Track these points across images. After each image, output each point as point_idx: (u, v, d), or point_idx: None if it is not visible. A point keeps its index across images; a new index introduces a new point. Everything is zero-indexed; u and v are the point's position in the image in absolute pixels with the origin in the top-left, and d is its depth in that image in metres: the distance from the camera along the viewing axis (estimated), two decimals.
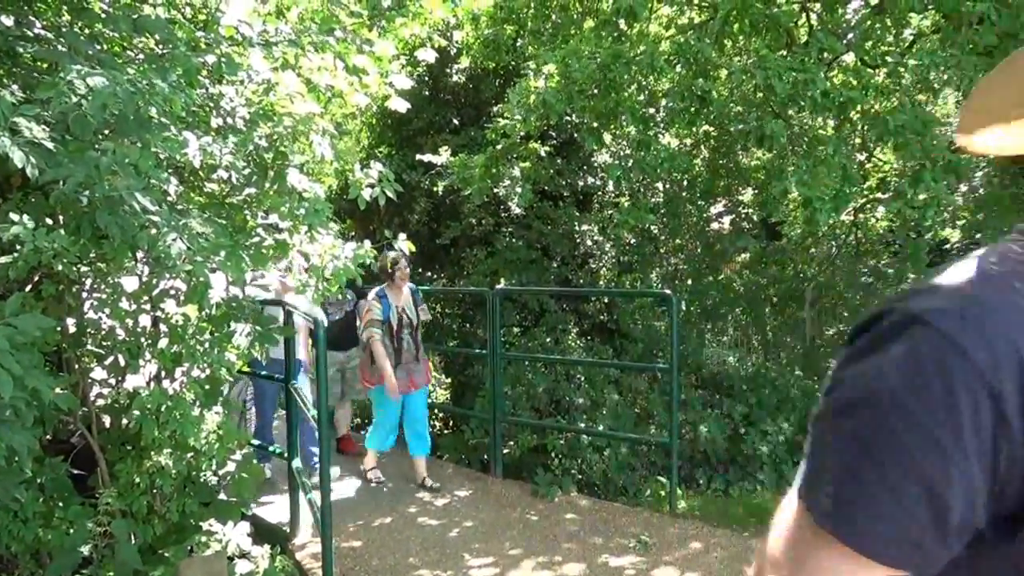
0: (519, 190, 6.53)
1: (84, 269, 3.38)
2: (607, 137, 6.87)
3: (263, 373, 4.85)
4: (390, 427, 5.50)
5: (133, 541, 3.40)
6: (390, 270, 5.39)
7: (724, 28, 5.24)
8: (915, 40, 5.93)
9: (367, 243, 3.45)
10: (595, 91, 5.49)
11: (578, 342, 6.98)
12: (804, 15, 6.31)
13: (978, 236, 7.21)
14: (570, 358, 6.74)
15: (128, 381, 3.82)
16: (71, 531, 3.25)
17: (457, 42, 7.43)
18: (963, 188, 7.65)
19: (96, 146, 2.54)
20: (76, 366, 3.58)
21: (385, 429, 5.50)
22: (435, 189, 7.12)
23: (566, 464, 5.92)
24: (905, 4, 4.95)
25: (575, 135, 7.51)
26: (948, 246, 9.33)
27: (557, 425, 6.24)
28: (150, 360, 3.62)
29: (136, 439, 3.44)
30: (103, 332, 3.59)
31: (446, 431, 7.62)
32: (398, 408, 5.42)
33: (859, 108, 4.96)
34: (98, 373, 3.81)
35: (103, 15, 2.99)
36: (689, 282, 9.13)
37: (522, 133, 6.21)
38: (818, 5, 6.13)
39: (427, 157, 6.72)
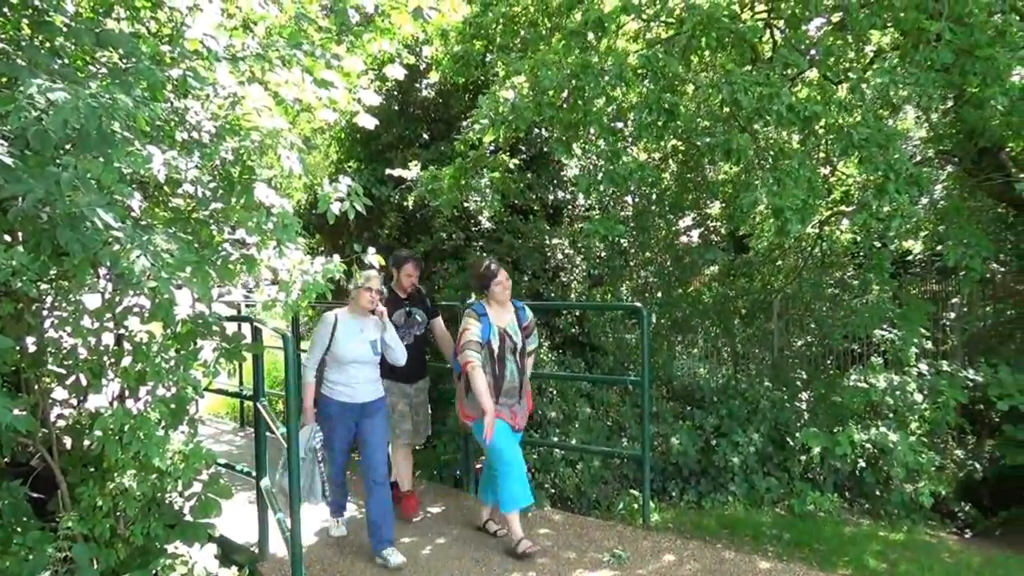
0: (488, 200, 6.53)
1: (44, 287, 3.31)
2: (576, 150, 6.91)
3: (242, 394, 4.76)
4: (518, 472, 4.44)
5: (95, 566, 3.31)
6: (485, 280, 4.59)
7: (691, 43, 5.31)
8: (876, 56, 6.07)
9: (336, 258, 3.41)
10: (564, 103, 5.52)
11: (550, 355, 6.97)
12: (768, 31, 6.42)
13: (939, 248, 7.36)
14: (542, 371, 6.73)
15: (90, 401, 3.73)
16: (30, 557, 3.16)
17: (426, 57, 7.43)
18: (924, 201, 7.81)
19: (57, 161, 2.48)
20: (36, 386, 3.49)
21: (512, 477, 4.40)
22: (405, 204, 7.09)
23: (539, 478, 5.90)
24: (865, 21, 5.06)
25: (545, 149, 7.54)
26: (910, 257, 9.52)
27: (529, 439, 6.22)
28: (113, 379, 3.54)
29: (98, 461, 3.36)
30: (64, 351, 3.51)
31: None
32: (512, 437, 4.53)
33: (823, 122, 5.05)
34: (59, 393, 3.72)
35: (65, 29, 2.94)
36: (659, 295, 9.18)
37: (492, 146, 6.22)
38: (782, 21, 6.25)
39: (397, 172, 6.69)
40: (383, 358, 4.60)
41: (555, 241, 7.76)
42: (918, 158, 7.70)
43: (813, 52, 5.69)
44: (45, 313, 3.50)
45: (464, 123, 6.66)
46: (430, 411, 5.46)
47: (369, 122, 3.77)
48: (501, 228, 7.31)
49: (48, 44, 2.99)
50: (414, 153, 7.36)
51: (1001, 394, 5.66)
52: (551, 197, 7.86)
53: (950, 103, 5.85)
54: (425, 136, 7.86)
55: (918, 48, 4.70)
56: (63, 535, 3.25)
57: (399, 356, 4.58)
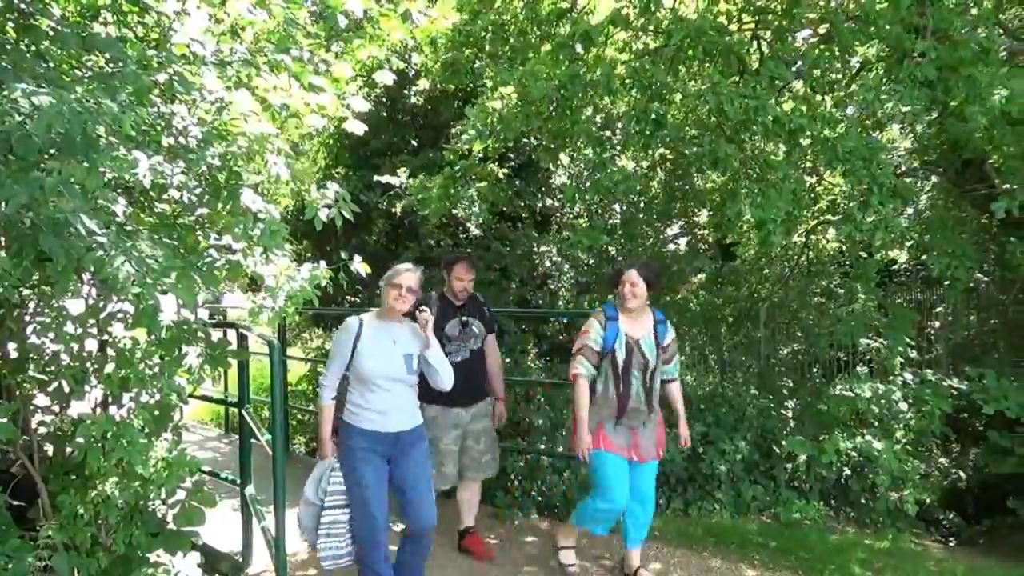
0: (476, 209, 6.54)
1: (26, 292, 3.27)
2: (564, 159, 6.93)
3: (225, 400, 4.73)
4: (609, 505, 3.88)
5: (76, 575, 3.26)
6: (612, 280, 3.97)
7: (678, 55, 5.34)
8: (861, 69, 6.12)
9: (323, 264, 3.40)
10: (552, 111, 5.54)
11: (537, 363, 6.97)
12: (755, 43, 6.47)
13: (924, 257, 7.43)
14: (529, 379, 6.73)
15: (73, 408, 3.69)
16: (9, 567, 3.11)
17: (415, 64, 7.45)
18: (910, 211, 7.89)
19: (41, 166, 2.46)
20: (17, 393, 3.45)
21: (604, 503, 3.88)
22: (393, 210, 7.09)
23: (526, 486, 5.88)
24: (850, 35, 5.11)
25: (533, 156, 7.56)
26: (896, 267, 9.60)
27: (517, 447, 6.21)
28: (96, 385, 3.50)
29: (80, 468, 3.32)
30: (47, 357, 3.48)
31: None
32: (625, 474, 3.87)
33: (809, 135, 5.10)
34: (41, 400, 3.68)
35: (51, 32, 2.92)
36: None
37: (480, 155, 6.23)
38: (768, 33, 6.30)
39: (385, 178, 6.70)
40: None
41: (543, 249, 7.78)
42: (903, 169, 7.78)
43: (799, 64, 5.74)
44: (27, 319, 3.46)
45: (453, 130, 6.67)
46: (496, 438, 4.58)
47: (358, 128, 3.76)
48: (489, 235, 7.32)
49: (33, 48, 2.97)
50: (403, 160, 7.37)
51: (987, 399, 5.71)
52: (539, 205, 7.88)
53: (935, 115, 5.91)
54: (414, 143, 7.88)
55: (902, 64, 4.74)
56: (43, 544, 3.21)
57: (444, 380, 3.58)
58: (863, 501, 6.52)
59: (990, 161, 6.38)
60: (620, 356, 3.82)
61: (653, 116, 4.91)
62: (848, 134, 4.73)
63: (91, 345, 3.54)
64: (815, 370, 8.97)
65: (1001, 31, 5.06)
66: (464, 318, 4.42)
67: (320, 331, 10.51)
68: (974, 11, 5.23)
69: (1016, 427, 6.00)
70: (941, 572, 5.02)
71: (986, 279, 8.27)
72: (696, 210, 9.44)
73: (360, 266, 3.43)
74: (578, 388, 3.86)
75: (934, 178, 8.01)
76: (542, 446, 6.28)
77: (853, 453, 6.37)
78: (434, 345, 3.57)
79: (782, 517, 6.02)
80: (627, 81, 5.18)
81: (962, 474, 7.19)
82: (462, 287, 4.42)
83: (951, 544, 6.64)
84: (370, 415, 3.48)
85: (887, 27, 4.85)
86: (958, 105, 4.89)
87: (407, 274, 3.56)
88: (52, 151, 2.52)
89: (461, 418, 4.31)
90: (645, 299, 3.91)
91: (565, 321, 7.58)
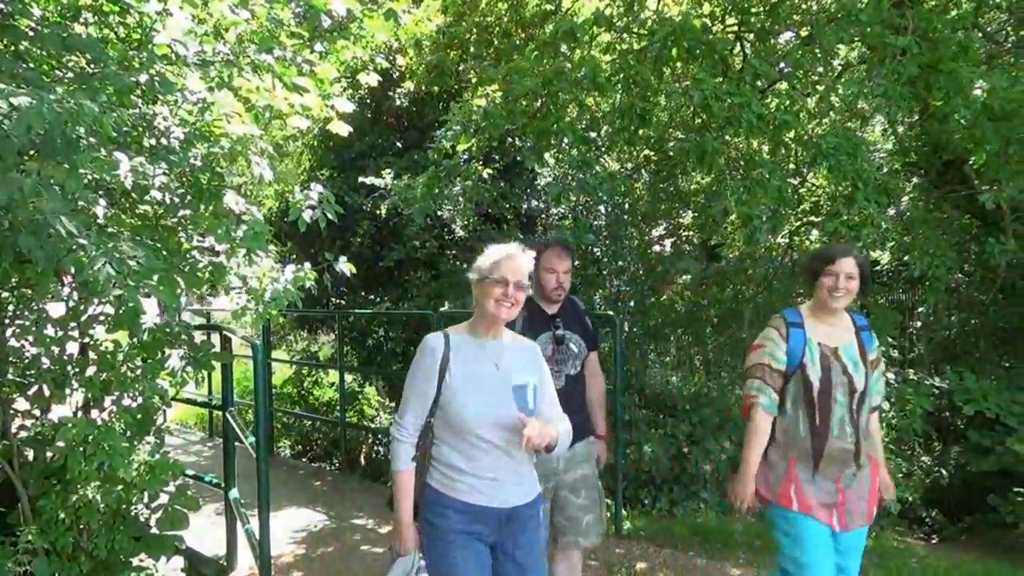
0: (461, 208, 6.53)
1: (6, 295, 3.24)
2: (549, 159, 6.95)
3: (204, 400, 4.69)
4: None
5: None
6: (814, 268, 2.90)
7: (662, 53, 5.36)
8: (844, 70, 6.18)
9: (307, 265, 3.39)
10: (537, 111, 5.55)
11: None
12: (739, 44, 6.51)
13: (906, 258, 7.50)
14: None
15: (53, 411, 3.65)
16: None
17: (400, 66, 7.44)
18: (891, 211, 7.96)
19: (20, 167, 2.44)
20: None
21: None
22: (378, 212, 7.08)
23: None
24: (832, 36, 5.16)
25: (518, 158, 7.57)
26: (878, 267, 9.68)
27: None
28: (77, 389, 3.47)
29: (61, 472, 3.28)
30: (27, 360, 3.44)
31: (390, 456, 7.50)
32: (830, 550, 2.83)
33: (793, 132, 5.14)
34: (21, 404, 3.64)
35: (30, 33, 2.89)
36: (632, 303, 9.23)
37: (465, 155, 6.22)
38: (752, 35, 6.34)
39: (370, 180, 6.68)
40: None
41: None
42: (885, 170, 7.84)
43: (782, 65, 5.79)
44: (7, 322, 3.42)
45: (438, 132, 6.68)
46: (601, 489, 3.35)
47: (343, 129, 3.75)
48: (474, 237, 7.32)
49: (12, 48, 2.94)
50: (387, 161, 7.36)
51: (967, 399, 5.77)
52: (525, 206, 7.89)
53: (916, 117, 5.98)
54: (398, 144, 7.86)
55: (884, 62, 4.79)
56: (23, 549, 3.17)
57: (560, 449, 2.45)
58: None
59: (970, 162, 6.45)
60: (814, 375, 2.78)
61: (638, 112, 4.92)
62: (833, 129, 4.77)
63: (72, 348, 3.51)
64: None
65: (980, 34, 5.13)
66: (559, 331, 3.19)
67: (305, 333, 10.47)
68: (954, 12, 5.29)
69: (996, 426, 6.07)
70: (924, 569, 5.06)
71: (966, 279, 8.36)
72: (681, 212, 9.47)
73: (345, 267, 3.42)
74: (753, 422, 2.87)
75: (915, 179, 8.09)
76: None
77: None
78: (546, 369, 2.56)
79: (766, 516, 6.05)
80: (612, 77, 5.19)
81: (944, 472, 7.27)
82: (555, 285, 3.19)
83: (933, 541, 6.71)
84: (473, 482, 2.36)
85: (868, 29, 4.90)
86: (939, 106, 4.95)
87: (515, 261, 2.41)
88: (32, 152, 2.49)
89: (553, 465, 3.07)
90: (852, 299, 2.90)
91: None
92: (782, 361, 2.86)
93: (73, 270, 2.42)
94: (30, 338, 3.32)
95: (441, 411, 2.38)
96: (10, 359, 3.44)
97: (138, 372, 3.32)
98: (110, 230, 2.75)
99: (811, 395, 2.78)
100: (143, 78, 2.85)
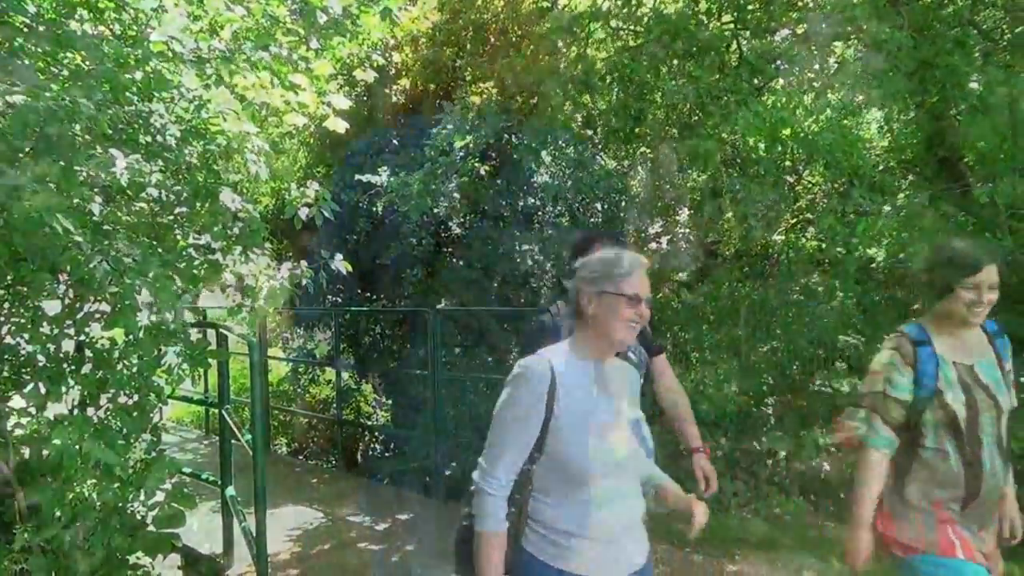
0: (457, 205, 6.54)
1: (1, 292, 3.23)
2: (546, 157, 6.95)
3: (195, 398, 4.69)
4: None
5: None
6: (950, 273, 2.36)
7: (658, 50, 5.37)
8: (839, 68, 6.18)
9: (303, 263, 3.38)
10: (533, 109, 5.55)
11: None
12: (735, 42, 6.52)
13: (902, 255, 7.52)
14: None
15: (49, 409, 3.64)
16: None
17: (396, 64, 7.43)
18: (887, 208, 7.98)
19: (16, 165, 2.43)
20: None
21: None
22: (374, 209, 7.07)
23: None
24: (829, 33, 5.17)
25: (515, 155, 7.57)
26: (874, 264, 9.69)
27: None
28: (73, 386, 3.46)
29: (57, 470, 3.28)
30: (22, 358, 3.43)
31: (387, 454, 7.51)
32: None
33: (789, 129, 5.15)
34: (17, 401, 3.63)
35: (25, 30, 2.88)
36: None
37: (461, 152, 6.22)
38: (748, 32, 6.35)
39: (366, 177, 6.67)
40: None
41: (525, 247, 7.78)
42: (880, 167, 7.86)
43: (778, 62, 5.79)
44: (2, 319, 3.41)
45: (434, 129, 6.67)
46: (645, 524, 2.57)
47: (340, 125, 3.75)
48: (471, 234, 7.31)
49: (7, 45, 2.93)
50: (383, 159, 7.34)
51: None
52: (521, 204, 7.88)
53: (912, 114, 5.98)
54: (395, 141, 7.85)
55: (880, 50, 4.80)
56: (19, 547, 3.17)
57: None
58: (842, 496, 6.59)
59: (964, 160, 6.47)
60: (956, 401, 2.32)
61: (632, 111, 4.94)
62: (829, 126, 4.78)
63: (68, 345, 3.50)
64: (795, 367, 9.05)
65: (976, 31, 5.13)
66: None
67: (301, 331, 10.45)
68: (950, 8, 5.30)
69: None
70: None
71: None
72: (677, 209, 9.49)
73: (341, 264, 3.42)
74: (866, 462, 2.41)
75: (911, 177, 8.10)
76: None
77: (833, 448, 6.42)
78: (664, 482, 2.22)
79: (762, 513, 6.07)
80: (607, 77, 5.21)
81: None
82: None
83: None
84: (584, 547, 1.87)
85: (864, 25, 4.90)
86: (934, 102, 4.96)
87: (644, 272, 1.96)
88: (27, 149, 2.49)
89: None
90: None
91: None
92: (905, 388, 2.38)
93: (69, 268, 2.41)
94: (25, 335, 3.31)
95: (546, 457, 1.87)
96: (5, 356, 3.43)
97: (134, 369, 3.31)
98: (106, 228, 2.75)
99: (958, 426, 2.32)
100: (139, 75, 2.85)
